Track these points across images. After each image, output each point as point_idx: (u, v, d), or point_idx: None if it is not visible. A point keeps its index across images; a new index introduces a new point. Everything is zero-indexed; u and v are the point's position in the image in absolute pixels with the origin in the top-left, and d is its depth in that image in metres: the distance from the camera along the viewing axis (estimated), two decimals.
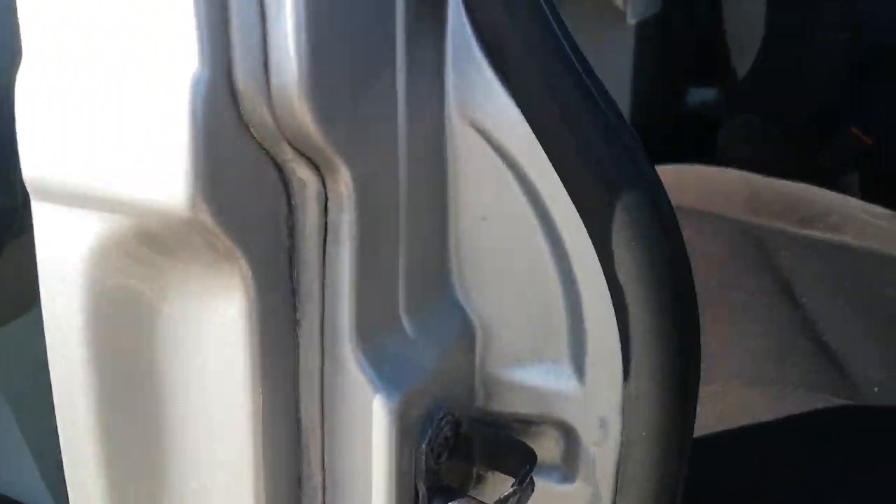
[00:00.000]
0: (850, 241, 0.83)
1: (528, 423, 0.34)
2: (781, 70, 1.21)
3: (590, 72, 0.29)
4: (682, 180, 0.89)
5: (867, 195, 1.31)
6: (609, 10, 1.33)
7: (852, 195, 1.28)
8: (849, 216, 0.88)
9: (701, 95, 2.10)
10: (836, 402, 0.56)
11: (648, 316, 0.28)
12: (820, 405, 0.55)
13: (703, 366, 0.64)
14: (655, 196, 0.29)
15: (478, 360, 0.33)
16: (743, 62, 1.28)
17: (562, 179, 0.28)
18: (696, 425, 0.59)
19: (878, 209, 0.92)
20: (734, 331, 0.65)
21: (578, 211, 0.28)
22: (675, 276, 0.30)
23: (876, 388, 0.60)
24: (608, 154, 0.28)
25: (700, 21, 1.99)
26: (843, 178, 1.29)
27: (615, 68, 1.42)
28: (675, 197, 0.81)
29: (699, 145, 1.62)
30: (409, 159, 0.28)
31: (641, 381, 0.29)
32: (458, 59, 0.29)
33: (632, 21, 1.28)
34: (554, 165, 0.28)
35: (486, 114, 0.29)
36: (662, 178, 0.83)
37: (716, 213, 0.84)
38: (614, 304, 0.29)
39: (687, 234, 0.78)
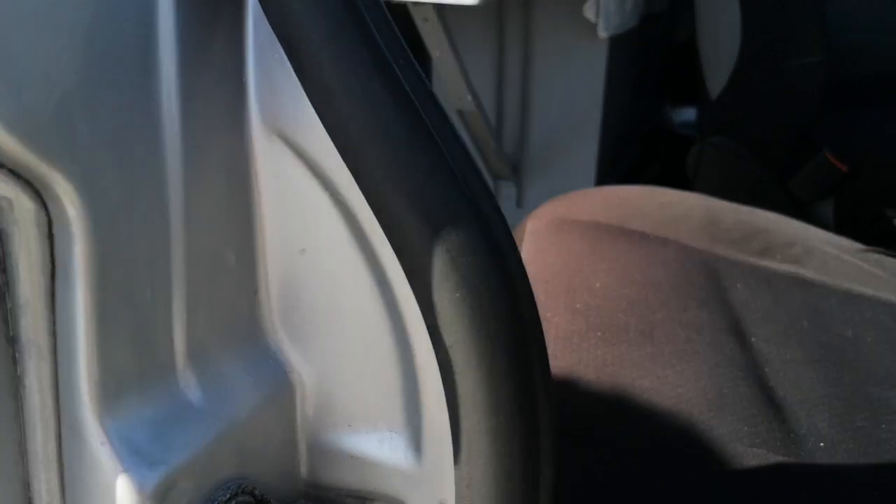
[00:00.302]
0: (811, 274, 0.78)
1: (361, 498, 0.28)
2: (754, 91, 1.16)
3: (420, 86, 0.23)
4: (638, 202, 0.84)
5: (841, 226, 1.26)
6: (582, 24, 1.28)
7: (826, 225, 1.24)
8: (813, 248, 0.82)
9: (683, 115, 2.06)
10: (774, 459, 0.50)
11: (479, 390, 0.22)
12: (753, 463, 0.49)
13: (633, 416, 0.59)
14: (493, 239, 0.23)
15: (300, 423, 0.28)
16: (717, 82, 1.23)
17: (373, 209, 0.22)
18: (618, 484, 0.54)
19: (847, 242, 0.86)
20: (671, 373, 0.59)
21: (395, 250, 0.22)
22: (516, 341, 0.24)
23: (822, 444, 0.55)
24: (430, 184, 0.22)
25: (682, 40, 1.94)
26: (816, 206, 1.24)
27: (587, 81, 1.37)
28: (629, 220, 0.76)
29: (681, 165, 1.57)
30: (186, 174, 0.23)
31: (475, 468, 0.23)
32: (262, 55, 0.23)
33: (603, 35, 1.23)
34: (363, 192, 0.22)
35: (297, 124, 0.23)
36: (618, 199, 0.77)
37: (670, 238, 0.79)
38: (441, 372, 0.23)
39: (638, 260, 0.72)
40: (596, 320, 0.64)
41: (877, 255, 0.82)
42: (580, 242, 0.76)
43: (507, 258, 0.24)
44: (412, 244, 0.22)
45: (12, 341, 0.21)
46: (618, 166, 1.64)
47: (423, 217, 0.22)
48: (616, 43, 1.35)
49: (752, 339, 0.65)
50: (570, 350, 0.61)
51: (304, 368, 0.26)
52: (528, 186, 1.54)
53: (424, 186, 0.22)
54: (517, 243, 0.76)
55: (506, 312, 0.23)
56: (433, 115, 0.23)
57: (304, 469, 0.28)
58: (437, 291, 0.22)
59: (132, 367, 0.22)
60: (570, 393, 0.58)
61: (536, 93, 1.43)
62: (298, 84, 0.23)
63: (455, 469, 0.24)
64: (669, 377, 0.58)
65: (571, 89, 1.39)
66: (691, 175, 1.35)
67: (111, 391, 0.22)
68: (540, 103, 1.44)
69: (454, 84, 1.15)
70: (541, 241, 0.78)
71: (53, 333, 0.21)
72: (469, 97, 1.17)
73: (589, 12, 1.19)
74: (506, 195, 1.57)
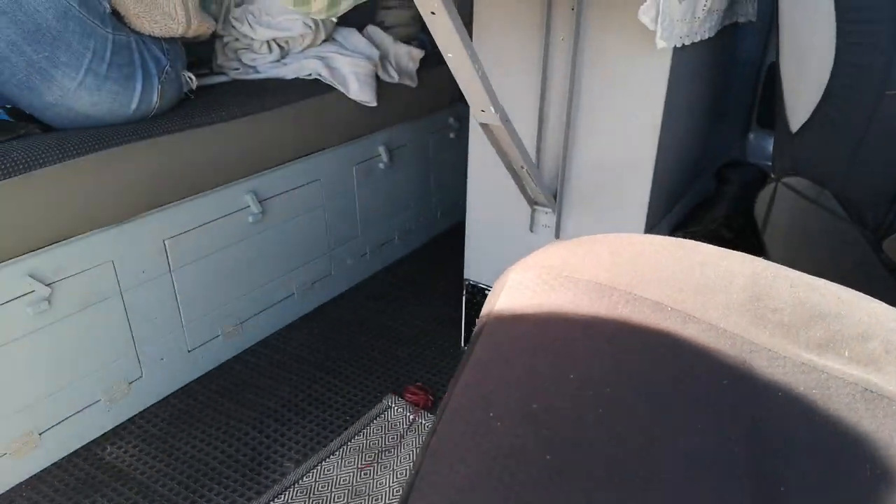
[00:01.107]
0: (891, 385, 0.56)
1: None
2: (845, 126, 0.92)
3: None
4: (660, 260, 0.63)
5: None
6: (640, 30, 1.08)
7: None
8: None
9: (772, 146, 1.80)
10: None
11: None
12: None
13: None
14: None
15: None
16: (800, 112, 1.00)
17: None
18: None
19: None
20: None
21: None
22: None
23: None
24: None
25: (770, 62, 1.69)
26: None
27: (644, 98, 1.16)
28: (642, 284, 0.55)
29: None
30: None
31: None
32: None
33: (661, 45, 1.02)
34: None
35: None
36: (633, 252, 0.57)
37: (694, 315, 0.58)
38: None
39: (641, 343, 0.52)
40: (552, 434, 0.46)
41: None
42: (567, 309, 0.57)
43: None
44: None
45: None
46: (677, 202, 1.42)
47: None
48: (682, 56, 1.14)
49: (782, 488, 0.45)
50: (501, 478, 0.43)
51: None
52: (569, 216, 1.34)
53: None
54: (494, 296, 0.57)
55: None
56: None
57: None
58: None
59: None
60: None
61: (584, 108, 1.23)
62: None
63: None
64: None
65: (625, 107, 1.18)
66: (760, 221, 1.12)
67: None
68: (587, 121, 1.24)
69: (474, 93, 0.98)
70: (519, 299, 0.60)
71: None
72: (492, 109, 1.00)
73: (645, 16, 0.99)
74: (543, 223, 1.38)
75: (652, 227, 1.29)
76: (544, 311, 0.58)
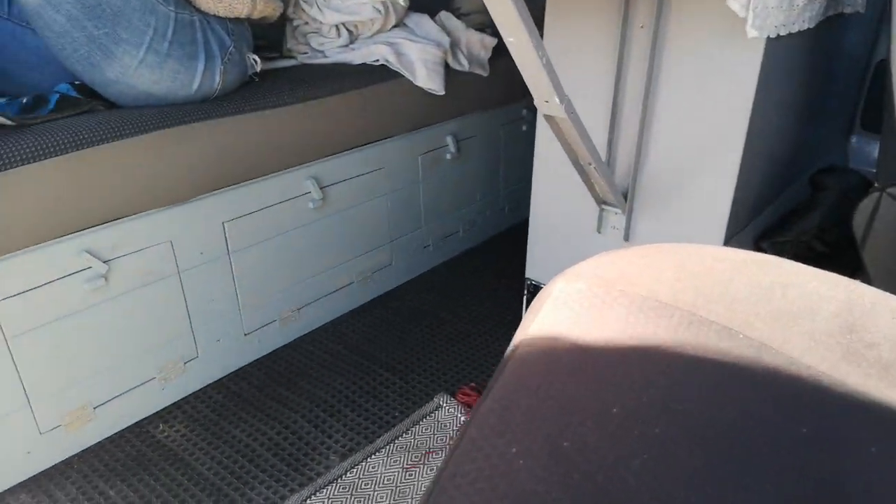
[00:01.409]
0: None
1: None
2: None
3: None
4: (732, 277, 0.54)
5: None
6: (729, 18, 0.98)
7: None
8: None
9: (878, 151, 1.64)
10: None
11: None
12: None
13: None
14: None
15: None
16: None
17: None
18: None
19: None
20: None
21: None
22: None
23: None
24: None
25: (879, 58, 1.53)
26: None
27: (730, 93, 1.06)
28: (708, 304, 0.44)
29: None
30: None
31: None
32: None
33: (753, 34, 0.92)
34: None
35: None
36: (702, 267, 0.48)
37: (771, 346, 0.50)
38: None
39: (701, 377, 0.43)
40: (583, 479, 0.38)
41: None
42: (617, 329, 0.50)
43: None
44: None
45: None
46: (765, 208, 1.30)
47: None
48: (776, 48, 1.02)
49: None
50: None
51: None
52: (641, 218, 1.25)
53: None
54: (537, 308, 0.50)
55: None
56: None
57: None
58: None
59: None
60: None
61: (662, 102, 1.13)
62: None
63: None
64: None
65: (710, 103, 1.08)
66: (859, 234, 1.00)
67: None
68: (666, 116, 1.14)
69: (537, 82, 0.90)
70: (564, 313, 0.53)
71: None
72: (556, 100, 0.92)
73: (735, 2, 0.89)
74: (612, 224, 1.29)
75: (733, 235, 1.18)
76: (591, 330, 0.50)
